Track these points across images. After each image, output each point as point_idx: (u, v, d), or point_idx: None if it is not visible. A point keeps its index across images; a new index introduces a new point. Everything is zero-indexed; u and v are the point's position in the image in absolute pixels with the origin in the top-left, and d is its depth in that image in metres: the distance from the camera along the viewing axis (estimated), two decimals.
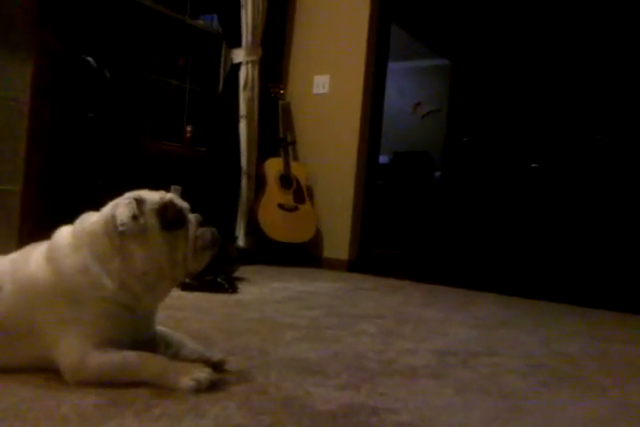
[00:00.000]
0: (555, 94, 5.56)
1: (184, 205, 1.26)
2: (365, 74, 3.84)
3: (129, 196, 1.21)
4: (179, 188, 3.27)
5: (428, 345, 1.76)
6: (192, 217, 1.25)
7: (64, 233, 1.21)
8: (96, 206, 1.26)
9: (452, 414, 1.16)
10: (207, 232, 1.25)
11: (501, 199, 5.62)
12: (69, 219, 1.26)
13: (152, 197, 1.21)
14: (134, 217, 1.16)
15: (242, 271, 2.88)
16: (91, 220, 1.21)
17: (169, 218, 1.20)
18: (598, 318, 2.58)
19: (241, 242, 3.66)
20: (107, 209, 1.21)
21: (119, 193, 1.25)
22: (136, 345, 1.17)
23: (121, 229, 1.14)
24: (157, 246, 1.18)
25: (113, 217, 1.16)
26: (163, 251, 1.19)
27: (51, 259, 1.16)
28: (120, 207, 1.17)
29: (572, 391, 1.39)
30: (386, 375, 1.39)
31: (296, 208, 3.76)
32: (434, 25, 6.01)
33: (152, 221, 1.18)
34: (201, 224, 1.25)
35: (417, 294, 2.94)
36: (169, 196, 1.24)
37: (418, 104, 7.56)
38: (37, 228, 2.65)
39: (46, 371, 1.14)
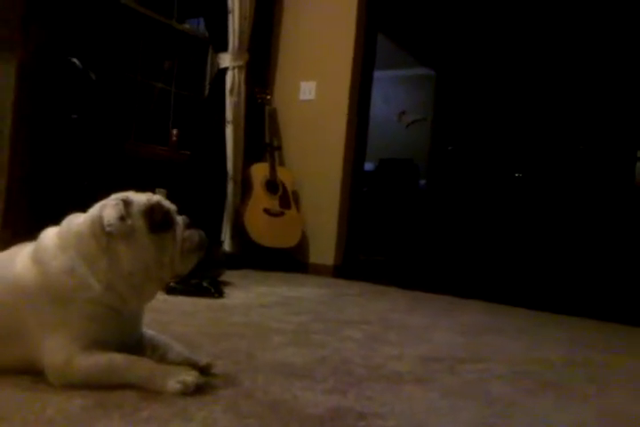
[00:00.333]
0: (538, 104, 5.63)
1: (171, 206, 1.25)
2: (352, 81, 3.86)
3: (116, 197, 1.20)
4: (163, 191, 3.25)
5: (414, 351, 1.76)
6: (179, 219, 1.24)
7: (50, 234, 1.20)
8: (81, 208, 1.25)
9: (439, 418, 1.16)
10: (195, 234, 1.24)
11: (486, 208, 5.67)
12: (54, 220, 1.25)
13: (139, 198, 1.21)
14: (121, 218, 1.15)
15: (228, 276, 2.87)
16: (77, 221, 1.19)
17: (156, 220, 1.19)
18: (581, 326, 2.60)
19: (227, 246, 3.65)
20: (94, 210, 1.20)
21: (104, 195, 1.24)
22: (122, 348, 1.16)
23: (108, 229, 1.14)
24: (144, 248, 1.17)
25: (100, 218, 1.15)
26: (150, 252, 1.18)
27: (37, 260, 1.15)
28: (107, 208, 1.16)
29: (556, 398, 1.40)
30: (372, 380, 1.39)
31: (282, 213, 3.76)
32: (419, 35, 6.07)
33: (139, 222, 1.17)
34: (188, 226, 1.25)
35: (402, 300, 2.95)
36: (156, 197, 1.23)
37: (403, 113, 7.61)
38: (21, 229, 2.62)
39: (32, 373, 1.12)
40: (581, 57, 5.34)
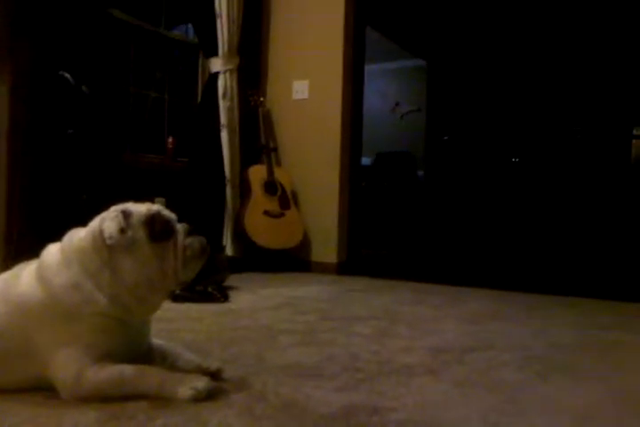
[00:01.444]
0: (531, 89, 5.62)
1: (171, 215, 1.26)
2: (344, 77, 3.86)
3: (115, 209, 1.21)
4: (162, 199, 3.26)
5: (423, 343, 1.77)
6: (180, 227, 1.25)
7: (52, 251, 1.21)
8: (81, 222, 1.26)
9: (451, 408, 1.17)
10: (195, 242, 1.25)
11: (485, 194, 5.68)
12: (54, 236, 1.26)
13: (139, 209, 1.22)
14: (122, 230, 1.16)
15: (232, 280, 2.88)
16: (78, 235, 1.20)
17: (156, 229, 1.20)
18: (590, 308, 2.61)
19: (229, 250, 3.66)
20: (94, 224, 1.21)
21: (103, 207, 1.24)
22: (132, 358, 1.17)
23: (109, 242, 1.15)
24: (146, 258, 1.18)
25: (100, 231, 1.16)
26: (152, 262, 1.19)
27: (41, 278, 1.15)
28: (107, 221, 1.17)
29: (568, 381, 1.41)
30: (383, 375, 1.40)
31: (282, 214, 3.76)
32: (408, 26, 6.06)
33: (140, 233, 1.18)
34: (189, 234, 1.25)
35: (408, 292, 2.96)
36: (155, 207, 1.24)
37: (397, 104, 7.61)
38: (22, 246, 2.63)
39: (44, 390, 1.13)
40: (572, 37, 5.33)
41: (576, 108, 5.43)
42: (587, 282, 3.47)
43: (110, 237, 1.14)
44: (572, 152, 5.37)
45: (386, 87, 7.53)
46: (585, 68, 5.31)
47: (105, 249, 1.15)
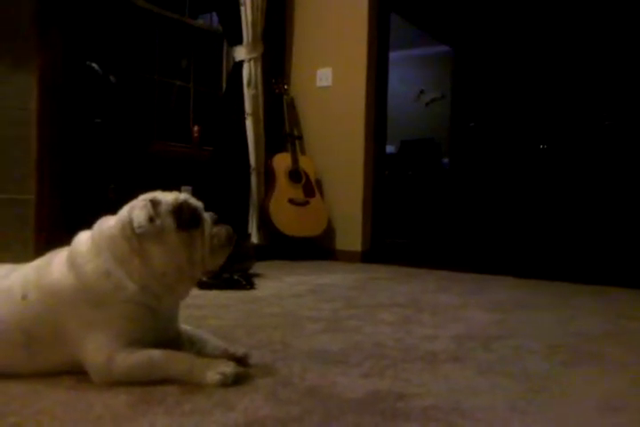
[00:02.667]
0: (559, 74, 5.52)
1: (198, 204, 1.27)
2: (367, 64, 3.84)
3: (144, 198, 1.23)
4: (189, 188, 3.29)
5: (447, 331, 1.78)
6: (207, 216, 1.27)
7: (83, 238, 1.24)
8: (109, 210, 1.28)
9: (476, 396, 1.18)
10: (222, 230, 1.27)
11: (511, 182, 5.61)
12: (84, 224, 1.29)
13: (167, 198, 1.23)
14: (151, 219, 1.18)
15: (257, 267, 2.91)
16: (108, 224, 1.23)
17: (184, 218, 1.22)
18: (615, 296, 2.58)
19: (254, 238, 3.69)
20: (123, 212, 1.23)
21: (131, 196, 1.26)
22: (160, 344, 1.19)
23: (138, 231, 1.17)
24: (175, 246, 1.20)
25: (130, 220, 1.18)
26: (180, 251, 1.21)
27: (72, 265, 1.18)
28: (136, 210, 1.19)
29: (594, 370, 1.40)
30: (408, 362, 1.41)
31: (307, 202, 3.78)
32: (433, 12, 5.98)
33: (168, 221, 1.20)
34: (216, 222, 1.27)
35: (432, 281, 2.96)
36: (183, 196, 1.26)
37: (421, 92, 7.54)
38: (53, 234, 2.69)
39: (76, 374, 1.16)
40: (599, 23, 5.21)
41: (604, 93, 5.32)
42: (614, 271, 3.43)
43: (139, 226, 1.16)
44: (600, 138, 5.27)
45: (410, 74, 7.46)
46: (613, 54, 5.19)
47: (134, 237, 1.17)
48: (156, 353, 1.16)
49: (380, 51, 3.96)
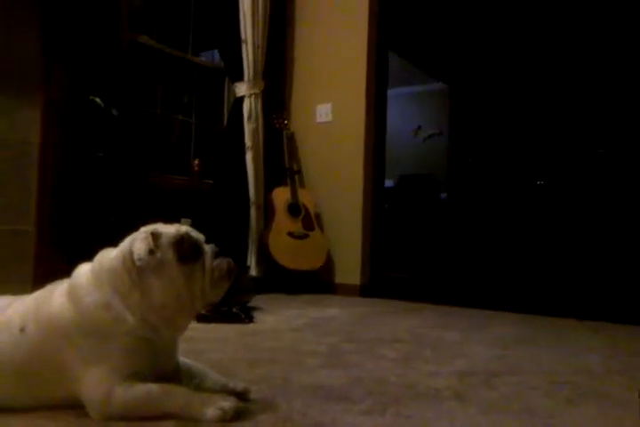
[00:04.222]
0: (554, 111, 5.61)
1: (199, 236, 1.27)
2: (367, 101, 3.90)
3: (145, 230, 1.23)
4: (188, 220, 3.30)
5: (449, 367, 1.76)
6: (208, 248, 1.26)
7: (83, 270, 1.23)
8: (109, 243, 1.28)
9: None
10: (223, 263, 1.26)
11: (509, 217, 5.63)
12: (83, 257, 1.28)
13: (168, 230, 1.23)
14: (151, 251, 1.17)
15: (256, 301, 2.89)
16: (109, 256, 1.22)
17: (185, 251, 1.21)
18: (618, 333, 2.56)
19: (253, 271, 3.68)
20: (124, 244, 1.23)
21: (131, 228, 1.26)
22: (159, 378, 1.18)
23: (138, 263, 1.16)
24: (175, 279, 1.19)
25: (130, 252, 1.18)
26: (180, 283, 1.20)
27: (72, 297, 1.17)
28: (137, 242, 1.19)
29: (597, 407, 1.38)
30: (410, 398, 1.39)
31: (306, 235, 3.78)
32: (430, 51, 6.12)
33: (169, 254, 1.20)
34: (217, 255, 1.27)
35: (433, 316, 2.94)
36: (185, 228, 1.26)
37: (419, 128, 7.63)
38: (53, 266, 2.68)
39: (76, 408, 1.14)
40: (593, 61, 5.32)
41: (600, 130, 5.39)
42: (615, 306, 3.41)
43: (140, 259, 1.16)
44: (596, 175, 5.31)
45: (408, 111, 7.57)
46: (608, 92, 5.29)
47: (134, 270, 1.17)
48: (154, 387, 1.14)
49: (379, 87, 4.03)
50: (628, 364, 1.91)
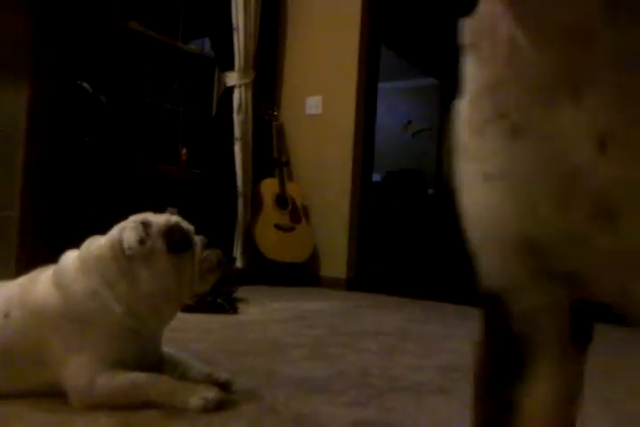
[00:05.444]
0: None
1: (190, 227, 1.27)
2: (357, 94, 3.89)
3: (135, 219, 1.22)
4: (175, 209, 3.28)
5: (433, 361, 1.77)
6: (197, 239, 1.26)
7: (70, 258, 1.22)
8: (94, 230, 1.27)
9: None
10: (212, 254, 1.26)
11: None
12: (67, 243, 1.27)
13: (158, 220, 1.23)
14: (141, 241, 1.17)
15: (241, 292, 2.88)
16: (97, 244, 1.22)
17: (175, 241, 1.21)
18: (597, 331, 2.58)
19: (238, 263, 3.67)
20: (113, 233, 1.22)
21: (116, 216, 1.26)
22: (143, 367, 1.18)
23: (128, 252, 1.16)
24: (164, 269, 1.19)
25: (120, 241, 1.17)
26: (169, 273, 1.20)
27: (58, 284, 1.17)
28: (127, 231, 1.18)
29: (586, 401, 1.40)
30: (393, 392, 1.40)
31: (293, 228, 3.78)
32: (421, 45, 6.11)
33: (158, 243, 1.19)
34: (206, 246, 1.27)
35: (417, 310, 2.95)
36: (174, 219, 1.26)
37: (409, 122, 7.63)
38: (36, 252, 2.65)
39: (55, 396, 1.14)
40: None
41: None
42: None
43: (130, 248, 1.15)
44: None
45: (397, 105, 7.56)
46: None
47: (123, 259, 1.17)
48: (138, 376, 1.14)
49: (370, 81, 4.02)
50: (607, 363, 1.93)
